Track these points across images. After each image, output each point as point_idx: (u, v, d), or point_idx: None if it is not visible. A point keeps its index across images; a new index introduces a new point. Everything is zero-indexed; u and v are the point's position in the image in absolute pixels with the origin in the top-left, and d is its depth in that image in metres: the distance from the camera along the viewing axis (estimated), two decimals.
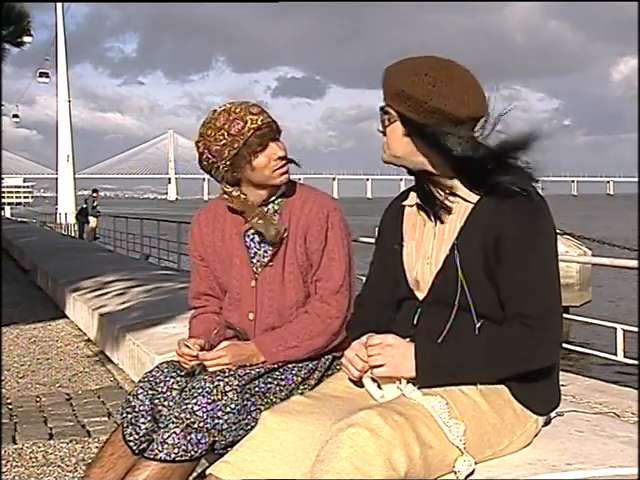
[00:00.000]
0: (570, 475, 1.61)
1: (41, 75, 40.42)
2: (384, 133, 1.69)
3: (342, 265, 2.04)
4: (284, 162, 2.00)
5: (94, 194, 23.51)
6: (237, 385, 1.85)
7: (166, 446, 1.76)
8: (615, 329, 4.53)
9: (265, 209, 2.05)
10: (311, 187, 2.15)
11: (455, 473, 1.53)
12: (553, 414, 1.84)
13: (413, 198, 1.79)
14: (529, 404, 1.67)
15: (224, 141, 1.94)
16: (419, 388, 1.58)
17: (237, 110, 1.95)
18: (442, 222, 1.69)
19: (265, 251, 2.06)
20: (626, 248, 8.70)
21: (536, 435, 1.74)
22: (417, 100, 1.59)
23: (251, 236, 2.07)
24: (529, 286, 1.60)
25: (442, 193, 1.69)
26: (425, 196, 1.72)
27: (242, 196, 2.02)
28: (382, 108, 1.67)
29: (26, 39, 9.20)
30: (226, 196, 2.04)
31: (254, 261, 2.07)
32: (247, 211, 2.03)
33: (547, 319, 1.61)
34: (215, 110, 1.99)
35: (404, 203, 1.81)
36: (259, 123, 1.94)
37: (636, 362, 4.47)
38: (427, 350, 1.60)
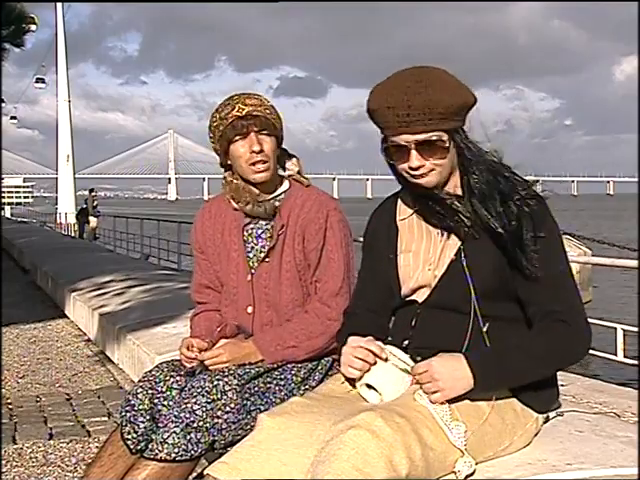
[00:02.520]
0: (570, 475, 1.61)
1: (37, 81, 40.94)
2: (441, 157, 1.60)
3: (341, 266, 2.04)
4: (260, 158, 1.99)
5: (92, 194, 23.53)
6: (236, 385, 1.85)
7: (166, 446, 1.76)
8: (615, 329, 4.53)
9: (257, 192, 2.06)
10: (313, 186, 2.15)
11: (455, 473, 1.53)
12: (553, 413, 1.84)
13: (406, 210, 1.77)
14: (529, 403, 1.68)
15: (215, 122, 2.02)
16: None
17: (235, 97, 2.02)
18: (450, 230, 1.68)
19: (262, 246, 2.07)
20: (626, 248, 8.70)
21: (536, 434, 1.75)
22: (469, 105, 1.60)
23: (249, 231, 2.09)
24: (556, 284, 1.61)
25: (448, 202, 1.66)
26: (432, 210, 1.70)
27: (235, 181, 2.06)
28: (424, 141, 1.57)
29: (27, 39, 9.21)
30: (224, 182, 2.09)
31: (250, 256, 2.08)
32: (239, 196, 2.06)
33: (579, 313, 1.63)
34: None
35: (400, 218, 1.78)
36: (242, 113, 1.98)
37: (636, 362, 4.47)
38: (483, 362, 1.57)
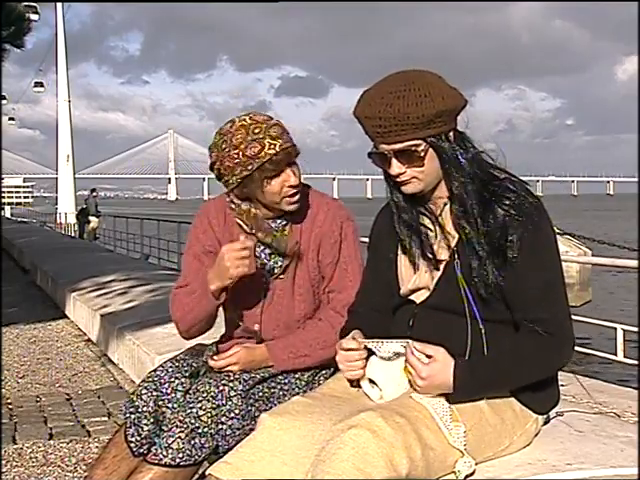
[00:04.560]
0: (570, 475, 1.61)
1: (36, 85, 41.35)
2: (420, 165, 1.60)
3: (356, 277, 1.99)
4: (296, 190, 1.93)
5: (93, 194, 23.54)
6: (242, 390, 1.84)
7: (171, 451, 1.75)
8: (615, 329, 4.53)
9: (273, 224, 1.99)
10: (321, 193, 2.09)
11: (455, 473, 1.53)
12: (553, 414, 1.84)
13: (408, 206, 1.77)
14: (529, 404, 1.68)
15: (238, 160, 1.88)
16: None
17: (256, 130, 1.88)
18: (440, 230, 1.68)
19: (275, 262, 2.02)
20: (626, 248, 8.70)
21: (536, 435, 1.75)
22: (451, 111, 1.57)
23: (261, 247, 2.02)
24: (542, 291, 1.60)
25: (441, 205, 1.67)
26: (423, 207, 1.71)
27: (252, 211, 1.96)
28: (401, 150, 1.58)
29: (27, 40, 9.21)
30: (233, 206, 1.99)
31: (264, 272, 2.02)
32: (254, 226, 1.97)
33: (563, 322, 1.62)
34: (233, 122, 1.91)
35: (401, 215, 1.77)
36: (277, 149, 1.87)
37: (636, 362, 4.47)
38: (468, 376, 1.57)
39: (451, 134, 1.61)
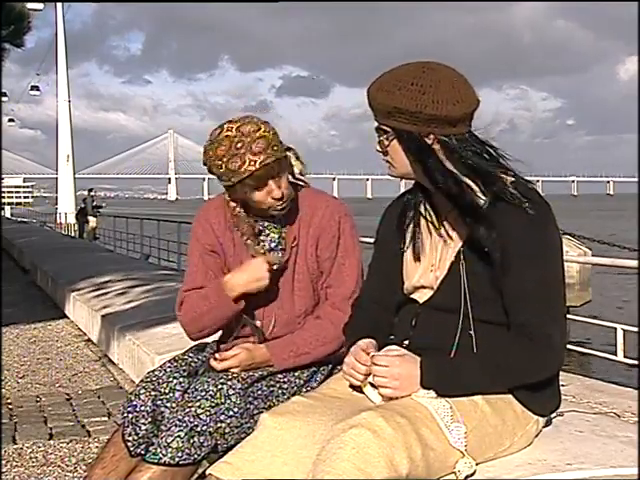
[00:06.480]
0: (570, 475, 1.61)
1: (32, 89, 41.81)
2: (385, 152, 1.65)
3: (354, 272, 2.01)
4: (281, 201, 1.93)
5: (91, 193, 23.62)
6: (240, 389, 1.84)
7: (170, 450, 1.75)
8: (615, 329, 4.53)
9: (272, 219, 2.01)
10: (319, 191, 2.10)
11: (455, 473, 1.53)
12: (553, 414, 1.84)
13: (415, 206, 1.77)
14: (530, 405, 1.67)
15: (221, 170, 1.89)
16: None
17: (239, 145, 1.86)
18: (447, 230, 1.68)
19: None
20: (626, 248, 8.71)
21: (536, 436, 1.74)
22: (411, 112, 1.56)
23: (267, 232, 2.03)
24: (536, 296, 1.58)
25: (448, 202, 1.66)
26: (431, 206, 1.71)
27: (238, 210, 1.98)
28: (378, 128, 1.64)
29: (27, 39, 9.22)
30: (227, 204, 2.01)
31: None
32: (246, 233, 1.99)
33: (551, 330, 1.59)
34: (222, 128, 1.90)
35: (410, 214, 1.78)
36: (257, 166, 1.86)
37: (636, 362, 4.47)
38: (435, 373, 1.58)
39: (451, 137, 1.59)
